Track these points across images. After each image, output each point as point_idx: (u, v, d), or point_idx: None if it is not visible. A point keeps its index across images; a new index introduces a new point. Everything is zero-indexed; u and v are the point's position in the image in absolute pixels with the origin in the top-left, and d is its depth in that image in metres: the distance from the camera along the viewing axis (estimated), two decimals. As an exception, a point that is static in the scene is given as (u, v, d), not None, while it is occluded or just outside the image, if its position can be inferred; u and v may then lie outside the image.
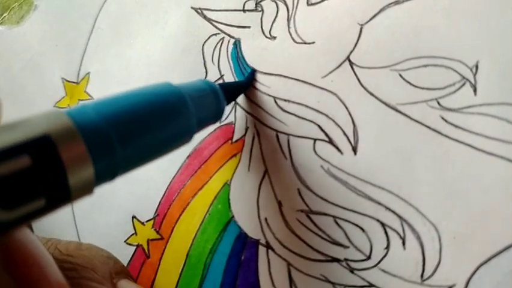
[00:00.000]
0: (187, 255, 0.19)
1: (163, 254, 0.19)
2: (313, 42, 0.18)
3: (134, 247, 0.20)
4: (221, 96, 0.15)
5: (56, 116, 0.09)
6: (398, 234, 0.15)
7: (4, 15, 0.25)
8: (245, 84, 0.18)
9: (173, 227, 0.19)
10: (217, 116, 0.15)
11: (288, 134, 0.18)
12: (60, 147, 0.08)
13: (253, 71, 0.18)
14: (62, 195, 0.09)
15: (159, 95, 0.12)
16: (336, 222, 0.16)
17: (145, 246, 0.20)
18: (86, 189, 0.09)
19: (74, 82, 0.23)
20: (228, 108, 0.19)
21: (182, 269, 0.19)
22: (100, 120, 0.10)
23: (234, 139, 0.19)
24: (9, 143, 0.08)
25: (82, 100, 0.23)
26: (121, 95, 0.11)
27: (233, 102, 0.19)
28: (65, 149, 0.08)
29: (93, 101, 0.10)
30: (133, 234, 0.20)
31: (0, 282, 0.08)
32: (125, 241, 0.20)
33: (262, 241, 0.18)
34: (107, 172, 0.10)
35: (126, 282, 0.15)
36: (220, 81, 0.20)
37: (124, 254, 0.20)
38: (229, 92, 0.17)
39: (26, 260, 0.09)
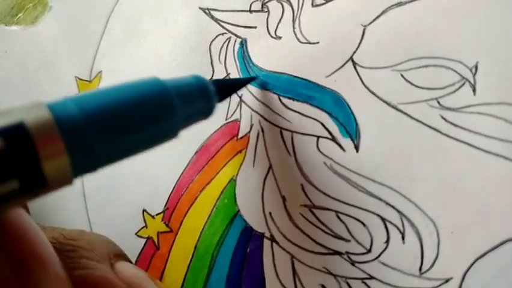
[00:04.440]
0: (195, 247, 0.19)
1: (172, 246, 0.20)
2: (317, 43, 0.18)
3: (145, 239, 0.21)
4: (211, 92, 0.14)
5: (36, 107, 0.09)
6: (398, 228, 0.16)
7: (19, 15, 0.26)
8: (241, 82, 0.18)
9: (182, 220, 0.20)
10: (207, 112, 0.14)
11: (292, 131, 0.18)
12: (36, 135, 0.09)
13: (255, 78, 0.18)
14: (36, 180, 0.09)
15: (144, 92, 0.12)
16: (338, 217, 0.17)
17: (155, 239, 0.21)
18: (64, 180, 0.10)
19: (86, 80, 0.24)
20: (233, 106, 0.20)
21: (190, 261, 0.19)
22: (79, 115, 0.10)
23: (239, 136, 0.19)
24: None
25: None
26: (105, 90, 0.11)
27: (238, 100, 0.20)
28: (40, 137, 0.09)
29: (77, 94, 0.11)
30: (143, 227, 0.21)
31: None
32: (136, 233, 0.21)
33: (267, 234, 0.18)
34: (85, 165, 0.10)
35: (124, 264, 0.16)
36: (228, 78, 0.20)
37: (134, 246, 0.21)
38: (223, 88, 0.16)
39: (19, 236, 0.10)
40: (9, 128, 0.09)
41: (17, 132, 0.09)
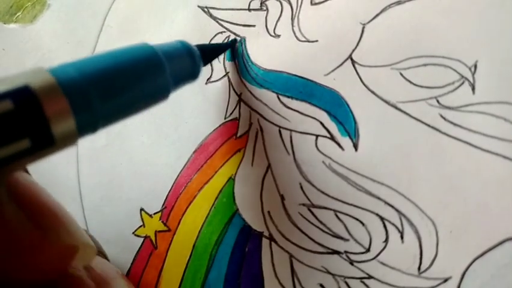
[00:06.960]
0: (194, 246, 0.19)
1: (170, 245, 0.20)
2: (316, 41, 0.18)
3: (142, 238, 0.21)
4: (196, 55, 0.16)
5: (38, 72, 0.10)
6: (397, 228, 0.16)
7: (18, 14, 0.26)
8: (224, 47, 0.19)
9: (180, 219, 0.20)
10: (193, 74, 0.16)
11: (291, 130, 0.18)
12: (41, 96, 0.10)
13: (235, 41, 0.20)
14: (45, 139, 0.10)
15: (135, 53, 0.13)
16: (337, 216, 0.17)
17: (153, 238, 0.20)
18: (70, 139, 0.10)
19: (84, 79, 0.24)
20: (232, 104, 0.20)
21: (188, 260, 0.19)
22: (80, 77, 0.11)
23: (238, 135, 0.19)
24: None
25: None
26: (99, 54, 0.12)
27: (237, 98, 0.20)
28: (45, 98, 0.10)
29: (73, 60, 0.11)
30: (141, 226, 0.21)
31: (10, 212, 0.10)
32: (133, 233, 0.21)
33: (266, 233, 0.18)
34: (88, 125, 0.11)
35: (96, 260, 0.16)
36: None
37: (132, 245, 0.21)
38: (206, 52, 0.17)
39: (33, 193, 0.10)
40: (16, 90, 0.09)
41: (24, 94, 0.09)
